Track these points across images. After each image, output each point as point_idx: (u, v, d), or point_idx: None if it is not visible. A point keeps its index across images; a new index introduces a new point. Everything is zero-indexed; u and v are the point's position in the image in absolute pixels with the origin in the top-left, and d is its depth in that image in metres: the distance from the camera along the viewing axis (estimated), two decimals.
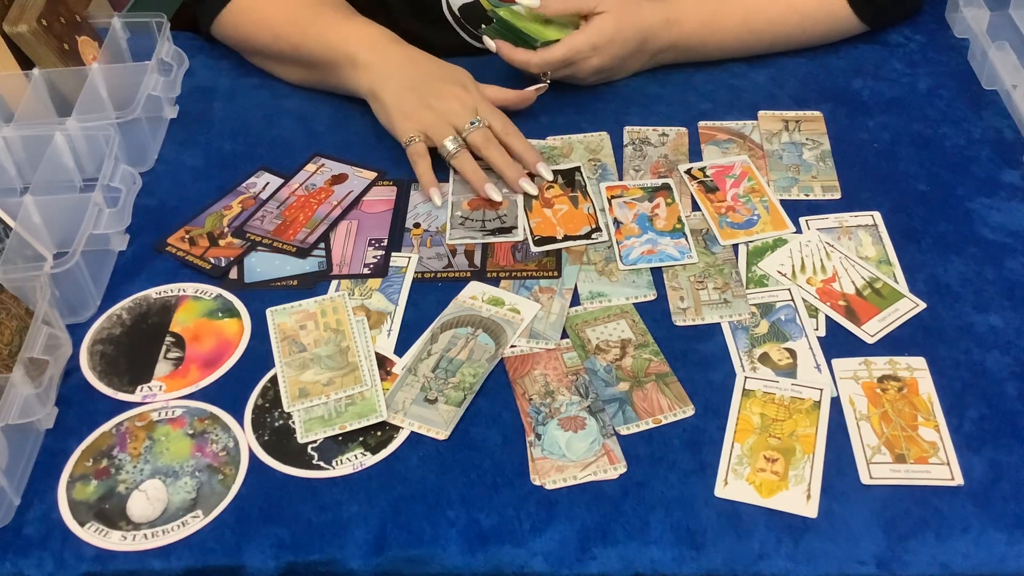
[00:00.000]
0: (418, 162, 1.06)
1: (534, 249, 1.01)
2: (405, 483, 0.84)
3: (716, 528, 0.80)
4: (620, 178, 1.09)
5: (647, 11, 1.15)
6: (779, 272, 0.98)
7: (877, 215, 1.03)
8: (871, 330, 0.93)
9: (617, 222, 1.04)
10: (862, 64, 1.22)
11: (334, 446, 0.86)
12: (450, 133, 1.06)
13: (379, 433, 0.87)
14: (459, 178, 1.08)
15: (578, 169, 1.09)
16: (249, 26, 1.20)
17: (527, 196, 1.06)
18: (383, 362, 0.92)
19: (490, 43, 1.14)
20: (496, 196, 1.04)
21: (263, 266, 1.02)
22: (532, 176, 1.07)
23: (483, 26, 1.17)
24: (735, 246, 1.01)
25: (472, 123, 1.06)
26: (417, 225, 1.05)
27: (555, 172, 1.09)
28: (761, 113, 1.16)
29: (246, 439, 0.87)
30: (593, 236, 1.02)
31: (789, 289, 0.97)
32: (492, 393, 0.90)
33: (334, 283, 1.00)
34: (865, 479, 0.82)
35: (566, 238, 1.02)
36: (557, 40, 1.12)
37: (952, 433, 0.85)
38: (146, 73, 1.14)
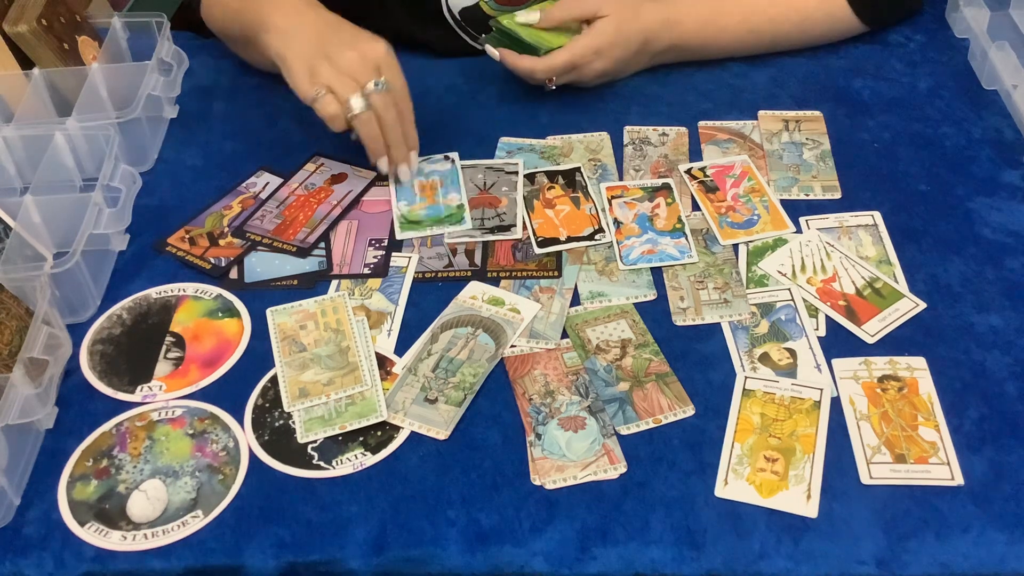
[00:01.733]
0: (333, 121, 1.00)
1: (537, 251, 1.01)
2: (405, 483, 0.84)
3: (716, 528, 0.80)
4: (620, 178, 1.09)
5: (647, 12, 1.15)
6: (779, 272, 0.98)
7: (877, 215, 1.03)
8: (871, 330, 0.93)
9: (617, 222, 1.04)
10: (862, 64, 1.22)
11: (334, 446, 0.86)
12: (355, 90, 0.99)
13: (379, 433, 0.87)
14: (467, 180, 1.08)
15: (578, 169, 1.09)
16: (216, 9, 1.19)
17: (531, 187, 1.06)
18: (383, 362, 0.92)
19: (493, 52, 1.14)
20: (384, 169, 1.03)
21: (263, 266, 1.02)
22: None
23: (483, 35, 1.16)
24: (735, 246, 1.01)
25: (377, 84, 1.00)
26: None
27: (556, 173, 1.09)
28: (761, 113, 1.16)
29: (246, 439, 0.87)
30: (596, 237, 1.02)
31: (789, 289, 0.97)
32: (492, 393, 0.90)
33: (334, 283, 1.00)
34: (865, 479, 0.82)
35: (569, 239, 1.02)
36: (560, 46, 1.12)
37: (952, 433, 0.85)
38: (146, 73, 1.14)
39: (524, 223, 1.04)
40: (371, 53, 1.01)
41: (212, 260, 1.02)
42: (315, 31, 1.03)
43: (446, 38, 1.25)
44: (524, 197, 1.06)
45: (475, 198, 1.07)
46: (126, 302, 0.99)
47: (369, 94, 1.00)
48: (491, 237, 1.02)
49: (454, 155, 1.11)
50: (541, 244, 1.01)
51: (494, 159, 1.11)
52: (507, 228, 1.03)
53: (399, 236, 1.03)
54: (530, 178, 1.08)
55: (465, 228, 1.03)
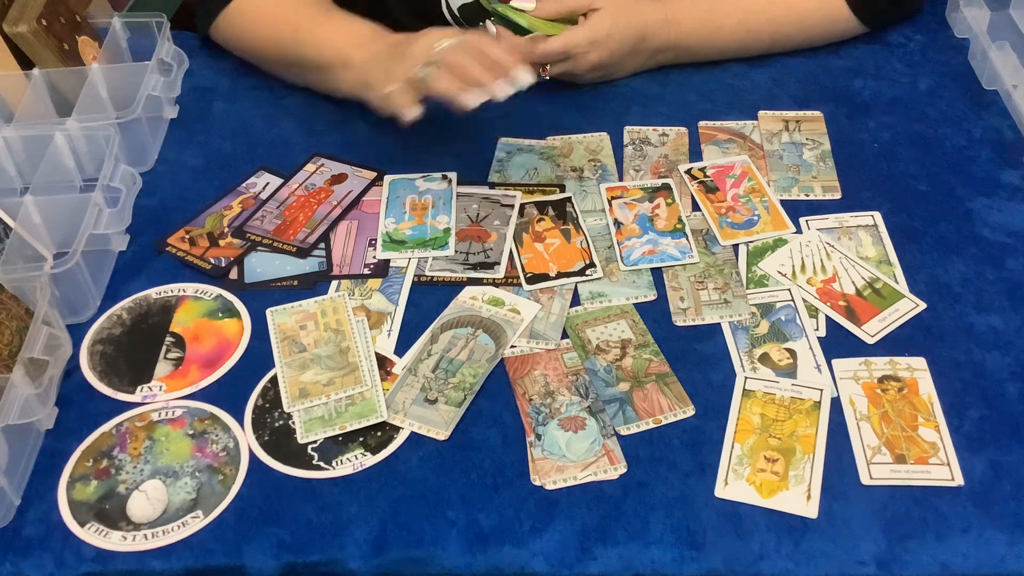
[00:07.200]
0: (400, 103, 0.98)
1: (527, 287, 0.98)
2: (405, 483, 0.84)
3: (716, 528, 0.80)
4: (620, 178, 1.09)
5: (645, 9, 1.15)
6: (779, 272, 0.98)
7: (877, 215, 1.03)
8: (871, 330, 0.93)
9: (618, 223, 1.04)
10: (862, 64, 1.22)
11: (334, 446, 0.86)
12: (419, 63, 0.97)
13: (379, 433, 0.87)
14: (459, 209, 1.05)
15: (569, 200, 1.06)
16: (248, 30, 1.19)
17: (519, 219, 1.03)
18: (383, 362, 0.92)
19: (491, 28, 1.13)
20: (470, 102, 0.93)
21: (263, 266, 1.02)
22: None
23: (482, 22, 1.16)
24: (735, 246, 1.01)
25: (441, 45, 0.97)
26: None
27: (546, 204, 1.06)
28: (761, 113, 1.16)
29: (246, 439, 0.87)
30: (588, 272, 0.99)
31: (789, 289, 0.97)
32: (492, 393, 0.90)
33: (334, 283, 1.00)
34: (865, 479, 0.82)
35: (560, 275, 0.99)
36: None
37: (952, 433, 0.85)
38: (146, 73, 1.14)
39: (510, 260, 1.00)
40: (437, 33, 0.99)
41: (212, 260, 1.02)
42: (386, 53, 1.05)
43: None
44: (511, 231, 1.03)
45: (464, 230, 1.03)
46: (126, 302, 0.99)
47: (437, 58, 0.96)
48: (472, 274, 0.99)
49: (452, 175, 1.09)
50: (530, 280, 0.98)
51: (491, 177, 1.09)
52: (490, 266, 1.00)
53: (379, 256, 1.01)
54: (519, 210, 1.05)
55: (446, 253, 1.01)
